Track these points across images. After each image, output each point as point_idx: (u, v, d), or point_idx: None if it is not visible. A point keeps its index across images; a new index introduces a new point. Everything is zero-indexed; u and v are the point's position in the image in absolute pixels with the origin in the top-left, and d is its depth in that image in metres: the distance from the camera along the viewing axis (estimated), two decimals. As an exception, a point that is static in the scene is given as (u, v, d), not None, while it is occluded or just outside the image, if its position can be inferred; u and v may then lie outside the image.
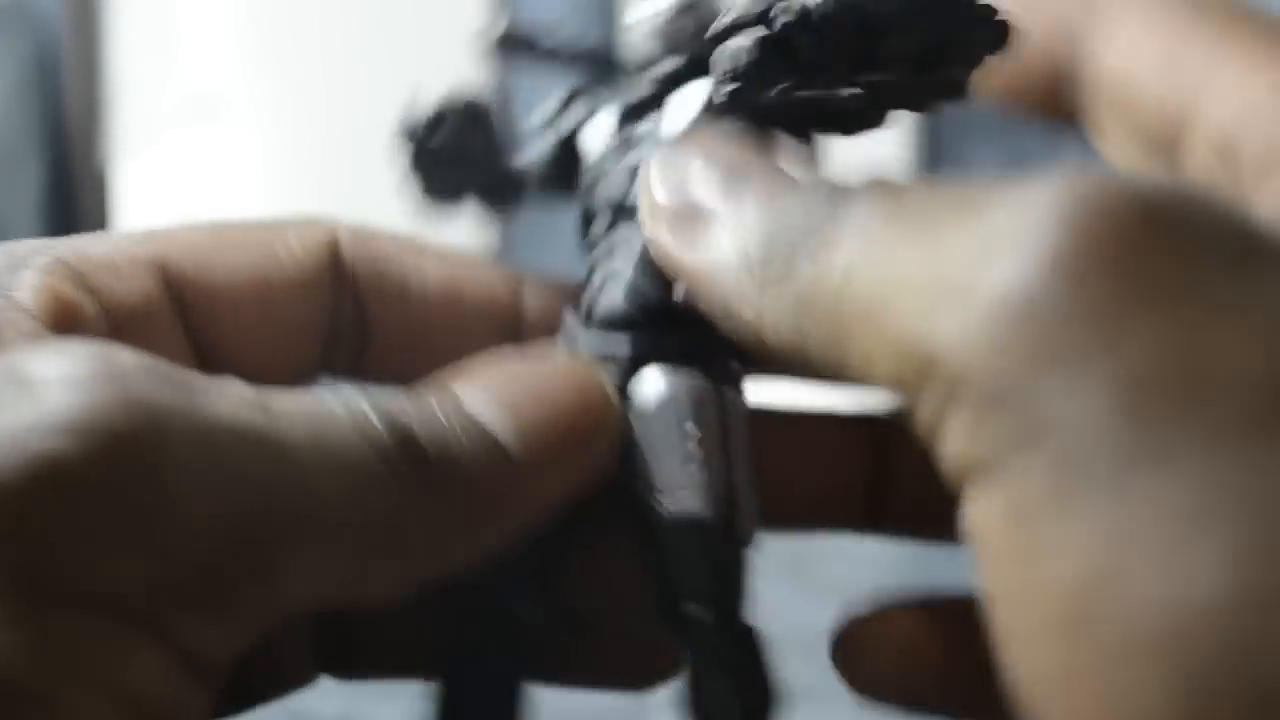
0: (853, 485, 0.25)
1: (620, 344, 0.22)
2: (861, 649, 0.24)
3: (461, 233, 2.42)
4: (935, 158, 2.35)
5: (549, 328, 0.23)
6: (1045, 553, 0.13)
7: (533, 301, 0.25)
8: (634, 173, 0.23)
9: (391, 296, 0.24)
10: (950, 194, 0.16)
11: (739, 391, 0.23)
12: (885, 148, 2.53)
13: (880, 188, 0.17)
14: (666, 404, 0.22)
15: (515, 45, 0.26)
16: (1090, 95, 0.21)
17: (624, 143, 0.24)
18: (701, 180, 0.20)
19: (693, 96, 0.22)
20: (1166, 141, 0.19)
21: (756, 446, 0.23)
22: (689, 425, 0.22)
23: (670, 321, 0.22)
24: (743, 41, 0.19)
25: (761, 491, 0.23)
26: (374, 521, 0.18)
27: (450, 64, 2.49)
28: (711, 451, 0.22)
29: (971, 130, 2.34)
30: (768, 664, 0.23)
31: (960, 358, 0.14)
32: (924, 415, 0.15)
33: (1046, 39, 0.21)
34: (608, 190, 0.24)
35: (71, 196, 2.47)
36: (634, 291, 0.22)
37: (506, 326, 0.24)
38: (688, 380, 0.22)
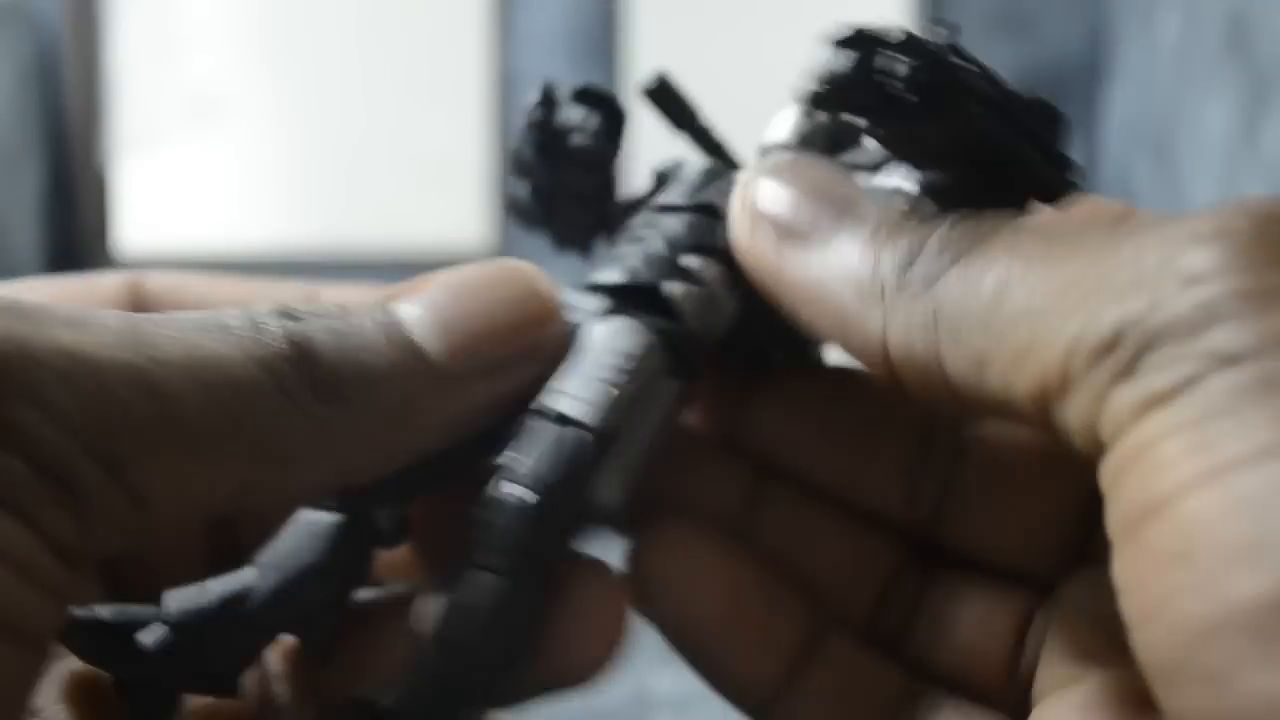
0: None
1: (601, 303, 0.24)
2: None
3: (464, 235, 2.40)
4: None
5: None
6: (1233, 462, 0.15)
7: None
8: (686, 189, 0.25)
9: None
10: (1096, 226, 0.18)
11: (683, 390, 0.23)
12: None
13: (1016, 222, 0.19)
14: (616, 331, 0.23)
15: (665, 99, 0.28)
16: None
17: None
18: (814, 199, 0.21)
19: (789, 115, 0.25)
20: None
21: (674, 456, 0.24)
22: (622, 354, 0.23)
23: (652, 303, 0.23)
24: (843, 59, 0.21)
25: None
26: (251, 430, 0.18)
27: (448, 64, 2.49)
28: (625, 393, 0.22)
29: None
30: (531, 618, 0.21)
31: (1161, 317, 0.16)
32: (1087, 394, 0.17)
33: None
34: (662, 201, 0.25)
35: (71, 197, 2.47)
36: (631, 270, 0.24)
37: None
38: (647, 333, 0.23)
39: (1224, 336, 0.15)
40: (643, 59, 2.42)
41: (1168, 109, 1.97)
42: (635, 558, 0.25)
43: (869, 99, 0.20)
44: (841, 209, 0.21)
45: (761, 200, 0.22)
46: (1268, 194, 1.58)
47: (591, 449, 0.22)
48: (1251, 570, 0.14)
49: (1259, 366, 0.15)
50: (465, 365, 0.20)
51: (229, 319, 0.19)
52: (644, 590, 0.24)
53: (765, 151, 0.25)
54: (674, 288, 0.24)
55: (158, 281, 0.25)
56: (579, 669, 0.22)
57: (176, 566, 0.24)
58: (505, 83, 2.43)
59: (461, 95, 2.46)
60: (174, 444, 0.17)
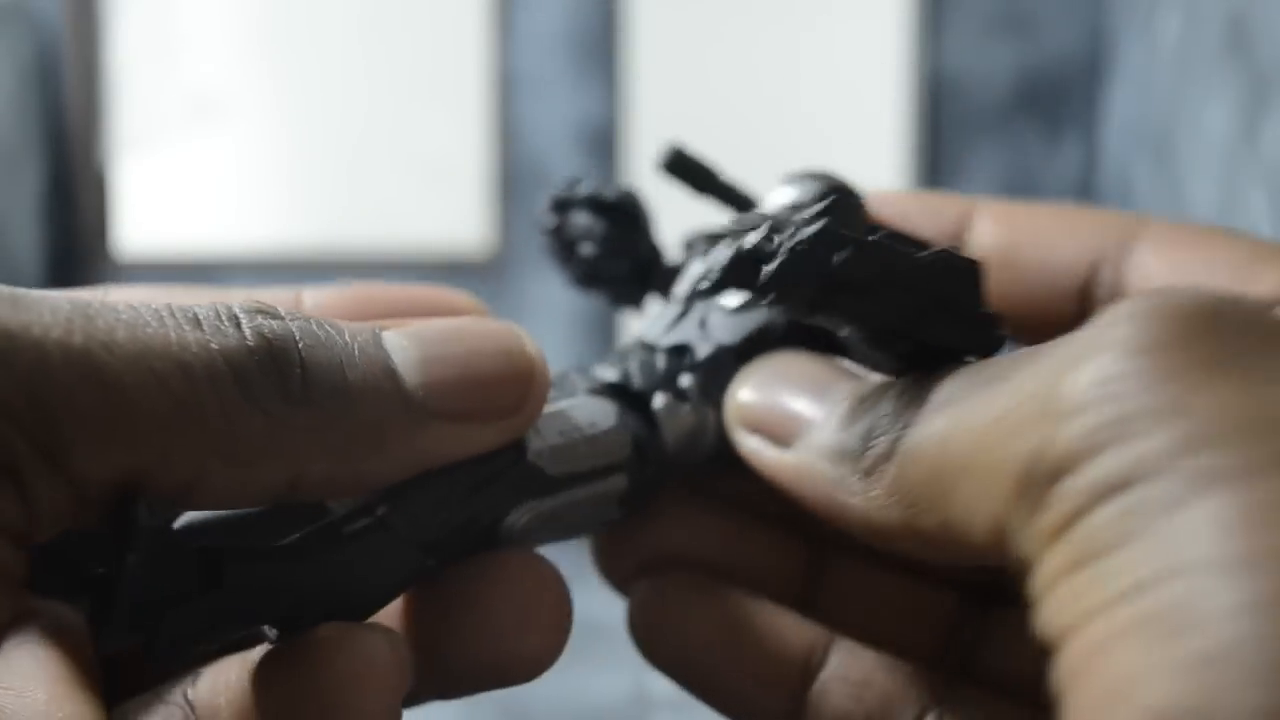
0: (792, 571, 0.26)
1: (595, 385, 0.25)
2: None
3: (464, 235, 2.40)
4: (935, 157, 2.35)
5: None
6: (1107, 603, 0.14)
7: (310, 309, 0.25)
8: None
9: None
10: (1018, 354, 0.19)
11: (628, 494, 0.24)
12: (883, 149, 2.53)
13: (954, 369, 0.20)
14: (598, 406, 0.24)
15: (679, 166, 0.28)
16: None
17: (707, 307, 0.27)
18: (790, 391, 0.23)
19: (737, 317, 0.26)
20: None
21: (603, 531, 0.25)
22: (593, 424, 0.24)
23: (638, 409, 0.25)
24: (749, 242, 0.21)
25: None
26: (204, 424, 0.18)
27: (448, 64, 2.49)
28: (581, 455, 0.23)
29: (970, 131, 2.34)
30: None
31: (1054, 451, 0.16)
32: (1014, 535, 0.17)
33: (1079, 266, 0.24)
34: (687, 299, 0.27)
35: (71, 196, 2.47)
36: (626, 373, 0.26)
37: None
38: (623, 426, 0.24)
39: (1106, 466, 0.15)
40: (642, 59, 2.42)
41: (1168, 109, 1.97)
42: (633, 613, 0.26)
43: (764, 292, 0.20)
44: (813, 400, 0.22)
45: (743, 414, 0.24)
46: (1266, 197, 1.58)
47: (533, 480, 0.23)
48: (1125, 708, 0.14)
49: (1138, 494, 0.15)
50: (438, 403, 0.20)
51: (199, 309, 0.19)
52: (645, 643, 0.26)
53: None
54: (660, 402, 0.25)
55: (121, 297, 0.24)
56: (520, 663, 0.22)
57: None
58: (505, 83, 2.43)
59: (461, 95, 2.46)
60: (119, 434, 0.17)
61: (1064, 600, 0.15)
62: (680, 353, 0.26)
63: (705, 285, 0.20)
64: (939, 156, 2.34)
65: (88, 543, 0.19)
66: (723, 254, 0.20)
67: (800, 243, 0.20)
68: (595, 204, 0.28)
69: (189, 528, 0.19)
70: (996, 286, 0.24)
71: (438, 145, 2.47)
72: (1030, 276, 0.25)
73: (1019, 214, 0.25)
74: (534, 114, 2.44)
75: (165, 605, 0.18)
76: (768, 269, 0.20)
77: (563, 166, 2.38)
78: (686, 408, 0.25)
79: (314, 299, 0.25)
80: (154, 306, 0.18)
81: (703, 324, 0.26)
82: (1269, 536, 0.13)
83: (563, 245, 0.29)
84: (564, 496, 0.23)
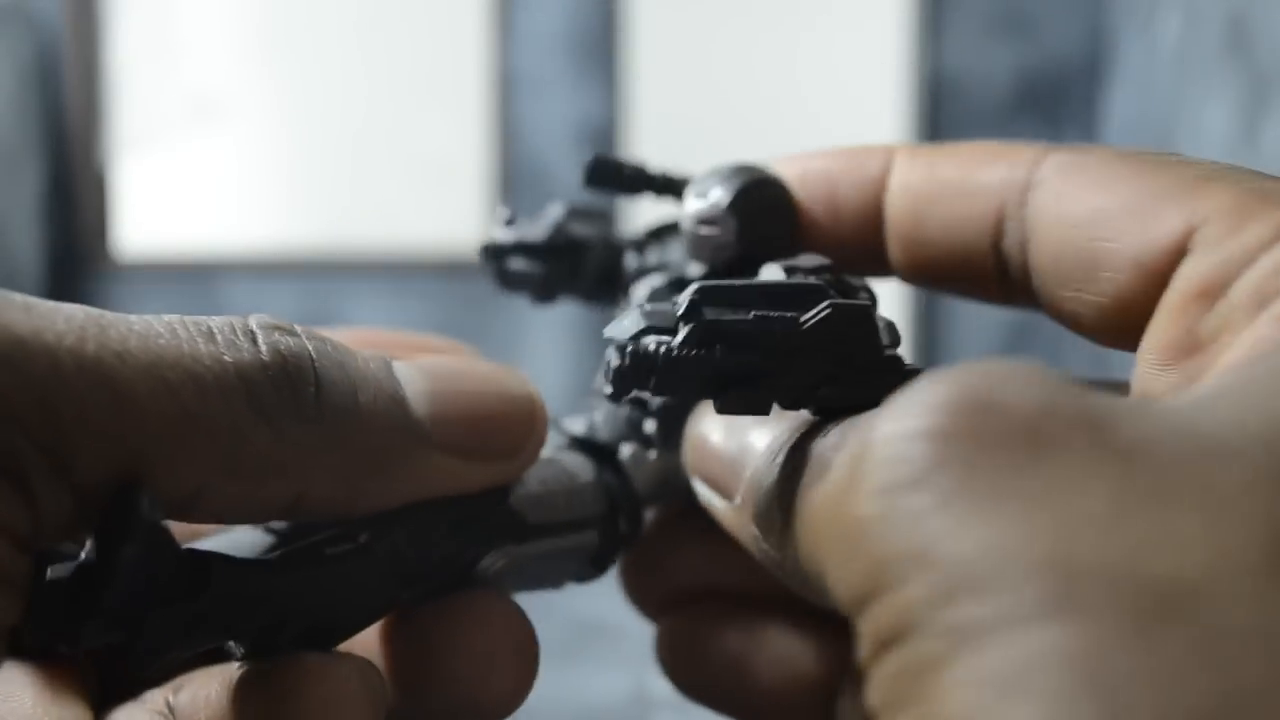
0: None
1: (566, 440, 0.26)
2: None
3: (464, 235, 2.40)
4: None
5: None
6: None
7: None
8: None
9: None
10: (844, 431, 0.18)
11: (601, 549, 0.25)
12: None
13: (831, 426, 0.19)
14: (573, 460, 0.25)
15: (603, 175, 0.28)
16: (1032, 256, 0.23)
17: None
18: (721, 444, 0.23)
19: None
20: (1086, 282, 0.21)
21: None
22: (570, 477, 0.24)
23: (606, 459, 0.26)
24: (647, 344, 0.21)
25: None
26: (213, 438, 0.18)
27: (448, 64, 2.49)
28: (556, 506, 0.24)
29: (970, 131, 2.34)
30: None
31: (856, 583, 0.16)
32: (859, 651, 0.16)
33: (990, 212, 0.23)
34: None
35: (71, 197, 2.47)
36: (592, 425, 0.26)
37: None
38: (596, 481, 0.25)
39: (879, 616, 0.15)
40: (642, 59, 2.42)
41: (1168, 110, 1.97)
42: (661, 647, 0.26)
43: (654, 385, 0.20)
44: (738, 455, 0.22)
45: (690, 464, 0.24)
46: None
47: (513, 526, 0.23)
48: None
49: (908, 651, 0.14)
50: (442, 436, 0.20)
51: (213, 323, 0.19)
52: (674, 674, 0.26)
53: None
54: (627, 452, 0.26)
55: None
56: (488, 705, 0.22)
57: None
58: (505, 83, 2.43)
59: (461, 95, 2.46)
60: (127, 443, 0.17)
61: None
62: (640, 400, 0.26)
63: (607, 392, 0.20)
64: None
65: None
66: (612, 358, 0.20)
67: (673, 350, 0.19)
68: (526, 249, 0.28)
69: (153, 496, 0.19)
70: (915, 236, 0.24)
71: (438, 145, 2.47)
72: (946, 225, 0.24)
73: (937, 158, 0.24)
74: (534, 114, 2.44)
75: (152, 603, 0.18)
76: (653, 378, 0.20)
77: (562, 166, 2.38)
78: (653, 454, 0.26)
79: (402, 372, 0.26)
80: (166, 319, 0.18)
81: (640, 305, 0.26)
82: (1022, 704, 0.13)
83: (508, 285, 0.29)
84: (538, 545, 0.23)
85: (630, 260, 0.29)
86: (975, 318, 2.36)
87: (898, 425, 0.15)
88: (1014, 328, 2.35)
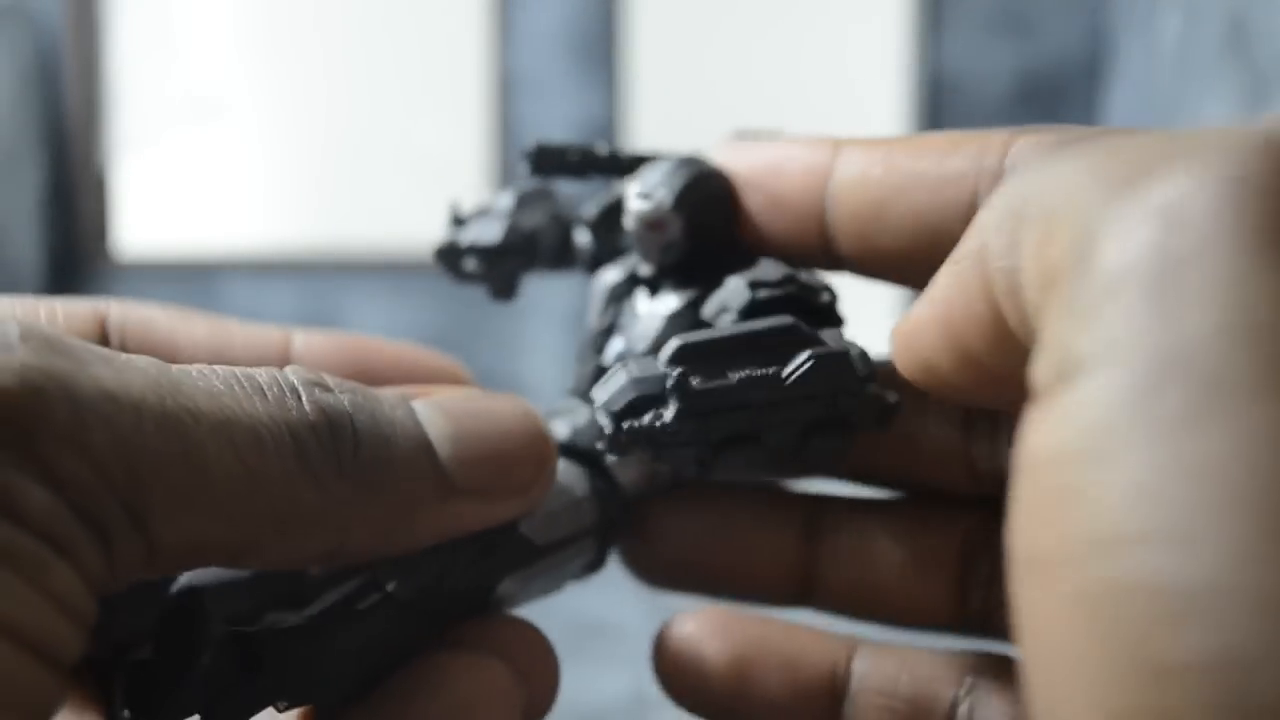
0: (782, 564, 0.27)
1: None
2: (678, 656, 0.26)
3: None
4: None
5: None
6: (1084, 494, 0.13)
7: (304, 354, 0.26)
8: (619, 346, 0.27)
9: (163, 357, 0.25)
10: (1151, 136, 0.16)
11: (597, 555, 0.26)
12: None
13: (1101, 135, 0.18)
14: (569, 471, 0.25)
15: (543, 164, 0.29)
16: (835, 218, 0.23)
17: (618, 312, 0.27)
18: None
19: (654, 325, 0.25)
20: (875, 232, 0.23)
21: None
22: (563, 489, 0.24)
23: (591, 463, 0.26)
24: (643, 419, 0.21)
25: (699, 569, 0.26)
26: (268, 495, 0.18)
27: (448, 64, 2.49)
28: (558, 523, 0.24)
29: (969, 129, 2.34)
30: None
31: (1112, 249, 0.14)
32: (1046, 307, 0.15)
33: (961, 200, 0.23)
34: (611, 342, 0.27)
35: (71, 197, 2.47)
36: (576, 431, 0.26)
37: None
38: (586, 486, 0.25)
39: (1158, 312, 0.14)
40: (642, 59, 2.42)
41: (1168, 110, 1.97)
42: (658, 662, 0.26)
43: (650, 449, 0.21)
44: None
45: None
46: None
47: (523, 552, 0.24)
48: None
49: (1159, 373, 0.13)
50: (466, 480, 0.21)
51: (261, 378, 0.19)
52: (673, 688, 0.26)
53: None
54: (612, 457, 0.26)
55: (125, 314, 0.25)
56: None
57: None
58: (505, 83, 2.43)
59: (461, 95, 2.46)
60: (198, 501, 0.17)
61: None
62: None
63: (604, 448, 0.21)
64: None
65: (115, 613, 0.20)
66: (605, 424, 0.21)
67: (668, 425, 0.20)
68: (480, 253, 0.29)
69: (212, 595, 0.20)
70: (875, 228, 0.24)
71: (438, 145, 2.47)
72: (914, 215, 0.23)
73: (894, 149, 0.24)
74: (534, 114, 2.44)
75: (217, 692, 0.19)
76: (651, 450, 0.21)
77: (563, 166, 2.38)
78: (633, 464, 0.26)
79: (304, 342, 0.26)
80: (221, 373, 0.19)
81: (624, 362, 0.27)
82: None
83: (467, 282, 0.30)
84: (545, 563, 0.24)
85: (581, 236, 0.29)
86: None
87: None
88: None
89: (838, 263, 0.25)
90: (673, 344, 0.21)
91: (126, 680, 0.19)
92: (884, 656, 0.25)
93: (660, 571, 0.27)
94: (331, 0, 2.48)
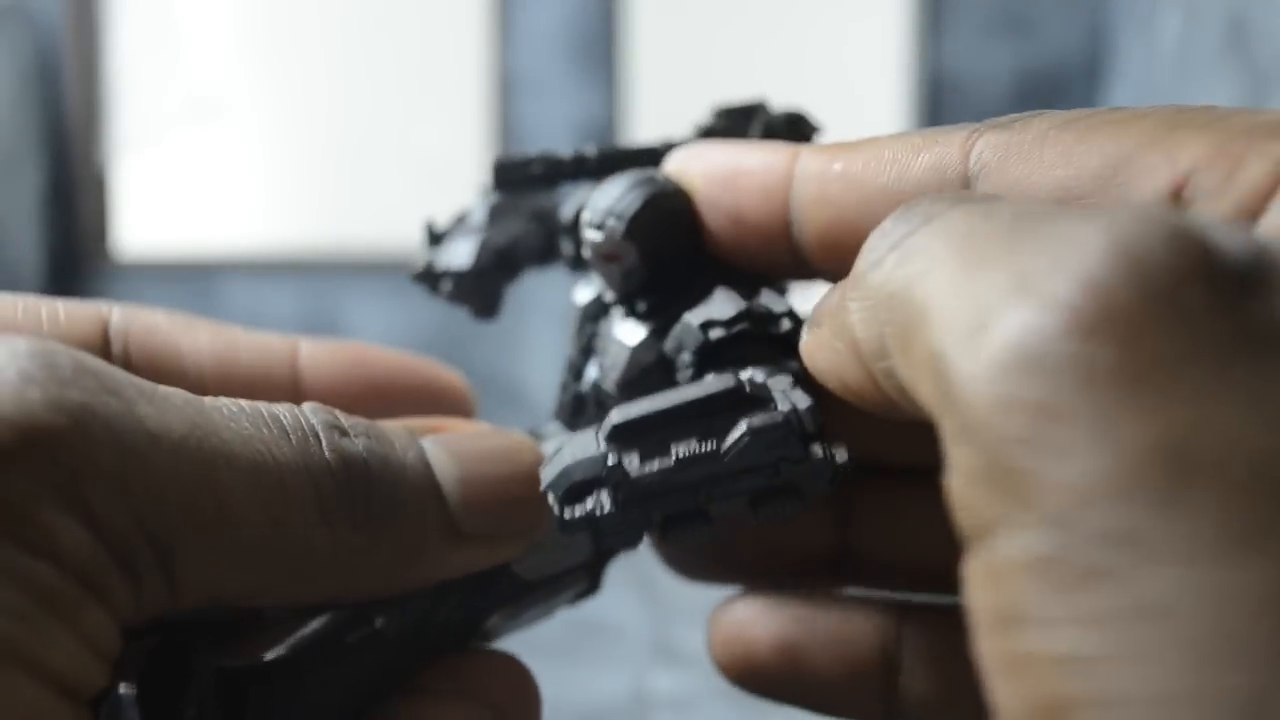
0: (819, 544, 0.26)
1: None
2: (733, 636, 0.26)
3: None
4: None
5: (326, 390, 0.25)
6: (1021, 630, 0.13)
7: (309, 364, 0.25)
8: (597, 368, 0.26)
9: (166, 364, 0.24)
10: (1014, 216, 0.16)
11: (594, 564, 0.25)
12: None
13: (961, 204, 0.17)
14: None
15: (509, 179, 0.28)
16: (800, 236, 0.23)
17: (593, 333, 0.26)
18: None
19: (623, 355, 0.25)
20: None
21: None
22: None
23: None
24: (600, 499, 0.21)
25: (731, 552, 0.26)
26: (286, 541, 0.18)
27: (448, 64, 2.49)
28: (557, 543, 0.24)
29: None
30: None
31: (970, 399, 0.14)
32: (947, 447, 0.15)
33: (770, 199, 0.23)
34: (588, 365, 0.27)
35: (71, 196, 2.47)
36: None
37: (284, 389, 0.25)
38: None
39: (1035, 460, 0.13)
40: (642, 59, 2.42)
41: (1167, 109, 1.97)
42: (714, 648, 0.26)
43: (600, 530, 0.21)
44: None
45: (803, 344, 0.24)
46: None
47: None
48: None
49: (1059, 526, 0.13)
50: (472, 525, 0.21)
51: (286, 420, 0.19)
52: (730, 670, 0.26)
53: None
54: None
55: (128, 320, 0.25)
56: None
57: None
58: (505, 83, 2.43)
59: (461, 95, 2.46)
60: (222, 545, 0.18)
61: None
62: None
63: (560, 531, 0.21)
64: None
65: None
66: (553, 506, 0.21)
67: (607, 515, 0.20)
68: (456, 279, 0.28)
69: (196, 634, 0.20)
70: (844, 239, 0.23)
71: (438, 145, 2.47)
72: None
73: (855, 154, 0.23)
74: (534, 114, 2.44)
75: None
76: (596, 537, 0.21)
77: (563, 166, 2.38)
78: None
79: (310, 352, 0.26)
80: (249, 411, 0.19)
81: (598, 400, 0.26)
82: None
83: (450, 301, 0.29)
84: (535, 598, 0.24)
85: (566, 247, 0.28)
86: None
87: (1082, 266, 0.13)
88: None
89: (811, 274, 0.24)
90: (609, 422, 0.21)
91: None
92: (934, 624, 0.25)
93: (696, 564, 0.27)
94: (332, 0, 2.48)
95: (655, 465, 0.20)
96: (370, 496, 0.19)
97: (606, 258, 0.24)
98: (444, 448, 0.21)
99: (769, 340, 0.23)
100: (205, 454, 0.17)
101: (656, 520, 0.21)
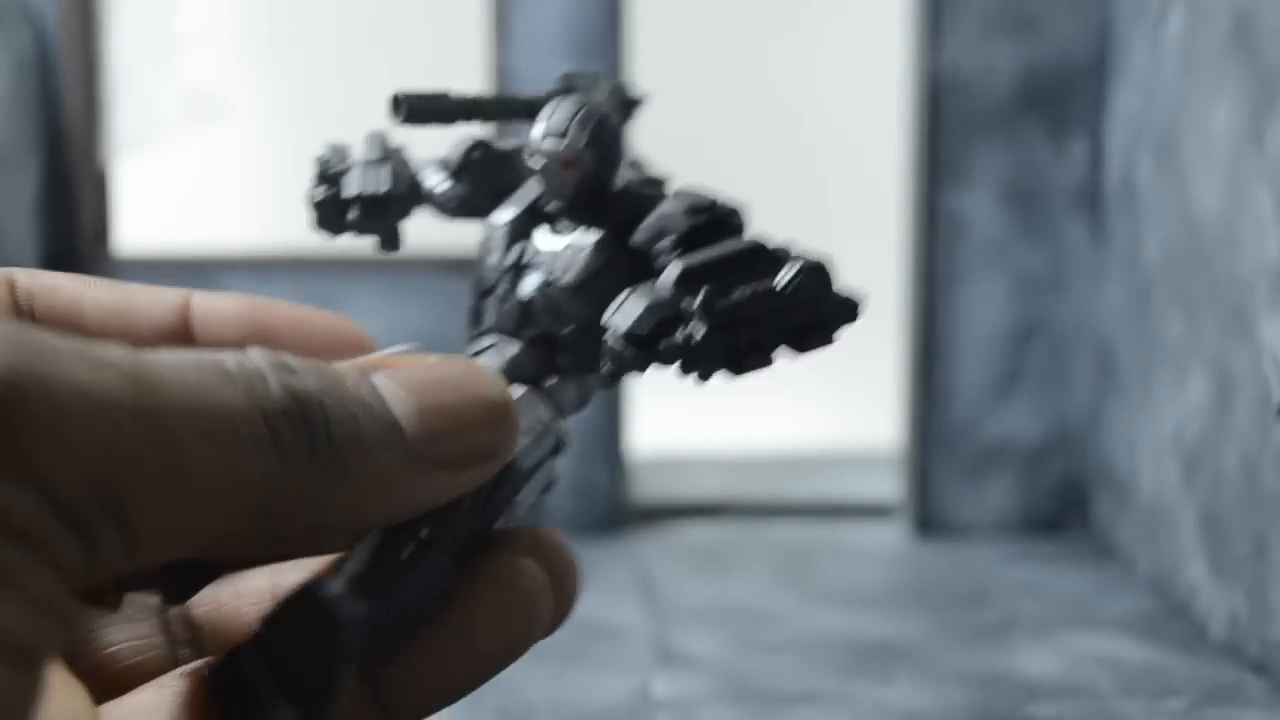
0: None
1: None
2: None
3: (462, 234, 2.41)
4: (937, 157, 2.34)
5: (215, 339, 0.26)
6: None
7: (200, 313, 0.26)
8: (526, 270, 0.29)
9: (70, 321, 0.26)
10: None
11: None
12: (885, 149, 2.52)
13: None
14: (524, 399, 0.27)
15: (419, 113, 0.31)
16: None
17: (521, 249, 0.29)
18: None
19: (581, 254, 0.28)
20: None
21: None
22: (534, 418, 0.26)
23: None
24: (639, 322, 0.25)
25: None
26: (245, 484, 0.18)
27: (448, 64, 2.49)
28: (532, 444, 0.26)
29: (974, 130, 2.33)
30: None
31: None
32: None
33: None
34: (514, 276, 0.29)
35: (69, 196, 2.46)
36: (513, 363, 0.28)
37: (176, 336, 0.26)
38: (547, 406, 0.27)
39: None
40: (641, 57, 2.41)
41: (1173, 107, 1.96)
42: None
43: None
44: None
45: None
46: (1271, 196, 1.56)
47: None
48: None
49: None
50: (434, 454, 0.21)
51: (227, 363, 0.19)
52: None
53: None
54: (551, 382, 0.28)
55: (31, 280, 0.26)
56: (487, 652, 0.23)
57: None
58: (504, 82, 2.43)
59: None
60: (175, 493, 0.18)
61: None
62: (548, 337, 0.28)
63: (608, 371, 0.25)
64: (942, 156, 2.33)
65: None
66: (619, 346, 0.25)
67: (698, 340, 0.24)
68: (366, 202, 0.31)
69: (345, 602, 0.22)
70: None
71: (437, 145, 2.46)
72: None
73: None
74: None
75: (320, 686, 0.21)
76: (682, 363, 0.24)
77: (563, 166, 2.38)
78: (570, 384, 0.28)
79: (204, 304, 0.26)
80: (193, 361, 0.19)
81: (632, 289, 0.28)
82: None
83: (343, 231, 0.32)
84: (530, 487, 0.25)
85: (438, 180, 0.32)
86: (976, 319, 2.35)
87: None
88: (1017, 328, 2.34)
89: None
90: (677, 266, 0.25)
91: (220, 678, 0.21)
92: None
93: None
94: (331, 1, 2.48)
95: (737, 295, 0.24)
96: (329, 432, 0.19)
97: (566, 164, 0.27)
98: (397, 381, 0.21)
99: (732, 231, 0.27)
100: (149, 405, 0.17)
101: (736, 348, 0.24)
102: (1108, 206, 2.29)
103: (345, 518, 0.20)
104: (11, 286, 0.26)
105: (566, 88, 0.33)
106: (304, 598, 0.21)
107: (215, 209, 2.52)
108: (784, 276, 0.24)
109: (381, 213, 0.30)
